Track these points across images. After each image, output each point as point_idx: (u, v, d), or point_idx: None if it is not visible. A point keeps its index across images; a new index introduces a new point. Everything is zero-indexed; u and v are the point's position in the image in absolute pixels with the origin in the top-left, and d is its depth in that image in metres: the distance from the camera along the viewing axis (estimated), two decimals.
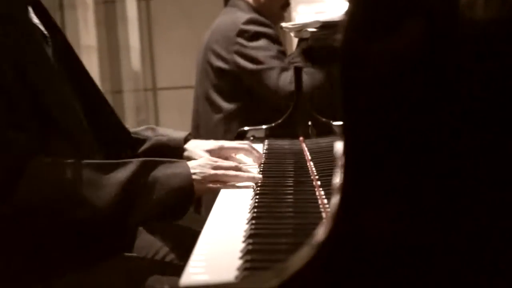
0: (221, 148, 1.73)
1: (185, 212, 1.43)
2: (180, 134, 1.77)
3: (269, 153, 1.91)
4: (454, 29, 0.65)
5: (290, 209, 1.34)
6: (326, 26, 1.84)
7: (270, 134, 2.13)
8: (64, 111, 1.41)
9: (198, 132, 2.81)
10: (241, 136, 2.16)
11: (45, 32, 1.47)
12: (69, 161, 1.31)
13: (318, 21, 1.94)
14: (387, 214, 0.69)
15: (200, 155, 1.65)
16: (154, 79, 3.61)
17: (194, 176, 1.40)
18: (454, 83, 0.64)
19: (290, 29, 2.11)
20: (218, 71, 2.67)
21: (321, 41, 1.81)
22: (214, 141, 1.79)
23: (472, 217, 0.68)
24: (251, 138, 2.15)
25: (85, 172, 1.32)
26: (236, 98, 2.66)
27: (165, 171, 1.39)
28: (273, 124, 2.13)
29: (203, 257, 1.06)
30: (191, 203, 1.44)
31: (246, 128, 2.19)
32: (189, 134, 1.79)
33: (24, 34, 1.35)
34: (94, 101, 1.59)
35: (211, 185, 1.44)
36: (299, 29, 2.03)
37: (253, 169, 1.67)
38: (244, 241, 1.12)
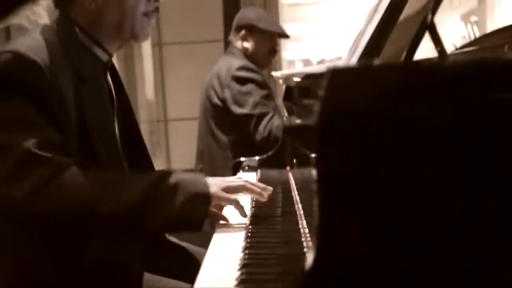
0: (227, 187, 1.61)
1: (202, 221, 1.30)
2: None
3: (261, 182, 1.82)
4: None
5: (277, 240, 1.26)
6: (310, 77, 1.75)
7: (262, 164, 2.05)
8: (109, 153, 1.37)
9: (202, 158, 2.78)
10: (237, 166, 2.10)
11: (112, 89, 1.46)
12: (96, 170, 1.27)
13: (303, 73, 1.90)
14: (363, 247, 0.64)
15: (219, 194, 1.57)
16: (165, 111, 3.61)
17: (210, 186, 1.30)
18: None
19: (278, 78, 2.03)
20: (216, 107, 2.63)
21: (304, 90, 1.71)
22: (220, 179, 1.67)
23: (445, 250, 0.63)
24: (246, 167, 2.08)
25: (110, 177, 1.27)
26: (231, 132, 2.62)
27: (184, 178, 1.30)
28: (264, 156, 2.06)
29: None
30: (208, 211, 1.31)
31: (242, 159, 2.12)
32: (202, 170, 1.72)
33: (94, 89, 1.33)
34: (137, 146, 1.54)
35: (225, 195, 1.33)
36: (287, 78, 1.94)
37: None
38: (238, 270, 1.06)
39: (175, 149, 3.57)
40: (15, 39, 1.53)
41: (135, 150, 1.53)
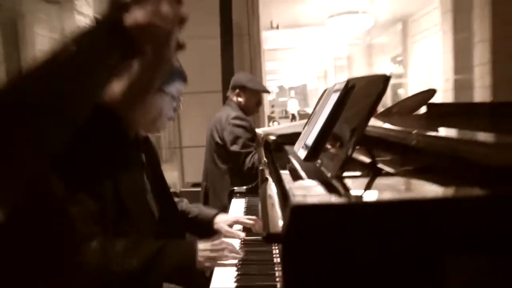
0: (236, 221, 1.66)
1: (190, 278, 1.33)
2: (213, 212, 1.70)
3: (248, 207, 1.85)
4: None
5: (255, 272, 1.25)
6: (281, 136, 1.81)
7: (250, 192, 2.04)
8: (140, 210, 1.32)
9: (207, 178, 2.78)
10: (231, 194, 2.09)
11: (144, 158, 1.42)
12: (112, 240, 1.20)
13: (276, 133, 1.89)
14: None
15: (223, 227, 1.61)
16: (180, 140, 3.53)
17: (198, 256, 1.29)
18: None
19: (260, 134, 2.06)
20: (217, 144, 2.68)
21: (277, 144, 1.76)
22: (232, 216, 1.72)
23: None
24: (237, 195, 2.07)
25: (122, 246, 1.21)
26: (227, 162, 2.66)
27: (177, 249, 1.31)
28: (250, 186, 2.07)
29: None
30: (192, 273, 1.32)
31: (235, 188, 2.12)
32: (217, 213, 1.70)
33: (127, 159, 1.27)
34: (163, 193, 1.51)
35: (207, 264, 1.30)
36: (266, 134, 1.96)
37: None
38: None
39: (188, 168, 3.55)
40: None
41: (163, 198, 1.48)
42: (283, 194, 0.99)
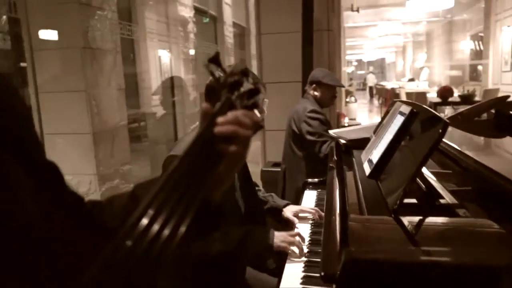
0: (300, 211, 1.69)
1: (267, 259, 1.45)
2: (283, 203, 1.75)
3: (318, 199, 1.86)
4: None
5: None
6: (351, 141, 1.80)
7: (323, 183, 1.97)
8: (230, 205, 1.42)
9: (285, 162, 2.81)
10: (304, 185, 2.09)
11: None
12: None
13: (347, 138, 1.88)
14: None
15: (289, 216, 1.65)
16: (264, 124, 3.57)
17: (274, 242, 1.37)
18: None
19: (332, 134, 2.03)
20: (294, 132, 2.68)
21: (347, 149, 1.75)
22: (297, 206, 1.75)
23: None
24: (310, 186, 2.06)
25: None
26: (303, 149, 2.66)
27: (259, 236, 1.39)
28: (323, 178, 2.00)
29: None
30: (270, 256, 1.45)
31: (308, 180, 2.12)
32: (287, 204, 1.74)
33: None
34: (253, 195, 1.60)
35: (282, 245, 1.38)
36: (337, 136, 1.95)
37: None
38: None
39: (270, 149, 3.57)
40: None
41: (249, 195, 1.55)
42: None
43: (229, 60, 8.90)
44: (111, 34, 3.16)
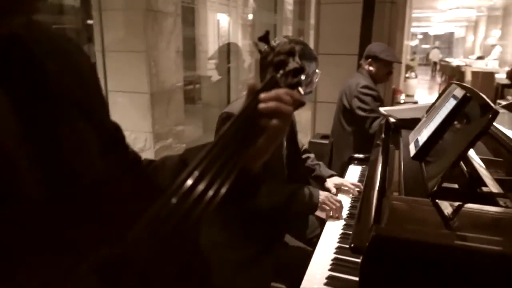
0: (342, 184, 1.73)
1: (312, 213, 1.51)
2: (329, 172, 1.81)
3: (362, 175, 1.87)
4: None
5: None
6: (401, 120, 1.77)
7: (368, 160, 1.94)
8: (276, 171, 1.50)
9: (333, 136, 2.80)
10: (350, 160, 2.10)
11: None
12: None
13: (397, 117, 1.84)
14: None
15: (331, 187, 1.70)
16: (315, 95, 3.56)
17: (319, 199, 1.47)
18: None
19: (383, 112, 1.98)
20: (345, 107, 2.65)
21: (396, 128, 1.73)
22: (341, 179, 1.80)
23: None
24: (355, 161, 2.07)
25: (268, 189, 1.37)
26: (352, 125, 2.63)
27: (305, 193, 1.49)
28: (369, 155, 2.02)
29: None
30: (315, 211, 1.50)
31: (354, 155, 2.13)
32: (332, 175, 1.79)
33: None
34: (298, 164, 1.66)
35: (324, 205, 1.48)
36: (388, 115, 1.90)
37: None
38: (329, 269, 1.11)
39: (320, 121, 3.55)
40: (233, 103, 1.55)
41: (294, 157, 1.61)
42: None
43: (287, 30, 8.73)
44: None
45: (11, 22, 0.38)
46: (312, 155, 1.92)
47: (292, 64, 0.60)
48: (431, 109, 1.52)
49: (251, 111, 0.55)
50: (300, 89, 0.62)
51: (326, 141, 3.01)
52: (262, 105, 0.56)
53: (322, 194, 1.51)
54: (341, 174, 2.04)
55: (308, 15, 8.55)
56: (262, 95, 0.56)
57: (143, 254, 0.39)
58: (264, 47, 0.62)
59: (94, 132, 0.50)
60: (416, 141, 1.32)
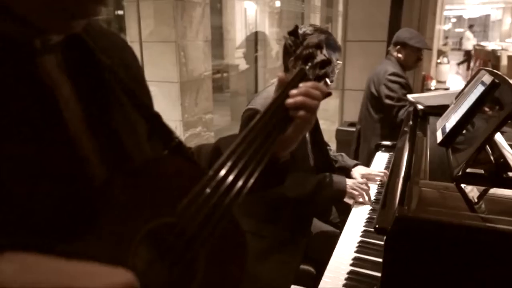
0: (369, 174, 1.73)
1: (342, 199, 1.54)
2: (353, 162, 1.80)
3: (389, 162, 1.87)
4: None
5: None
6: (429, 107, 1.77)
7: (395, 146, 1.90)
8: (301, 158, 1.53)
9: (361, 123, 2.80)
10: (377, 147, 2.10)
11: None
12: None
13: (425, 103, 1.83)
14: None
15: (357, 177, 1.70)
16: (343, 82, 3.52)
17: (346, 186, 1.50)
18: None
19: (410, 99, 1.98)
20: (372, 94, 2.63)
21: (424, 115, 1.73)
22: (366, 168, 1.78)
23: None
24: (383, 149, 2.07)
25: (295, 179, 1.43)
26: (379, 112, 2.61)
27: (332, 181, 1.52)
28: (396, 142, 2.03)
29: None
30: (343, 196, 1.53)
31: (381, 142, 2.12)
32: (356, 164, 1.78)
33: None
34: (323, 151, 1.67)
35: (352, 191, 1.51)
36: (416, 102, 1.90)
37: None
38: (355, 251, 1.13)
39: (347, 109, 3.53)
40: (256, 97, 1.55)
41: (319, 150, 1.63)
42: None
43: (315, 18, 8.61)
44: None
45: (78, 25, 0.44)
46: (331, 147, 1.93)
47: (320, 56, 0.64)
48: (460, 95, 1.52)
49: (280, 103, 0.60)
50: (327, 80, 0.66)
51: (353, 129, 3.00)
52: (289, 101, 0.60)
53: (350, 181, 1.53)
54: (368, 161, 2.05)
55: (336, 2, 8.41)
56: (291, 92, 0.60)
57: (190, 226, 0.44)
58: (291, 40, 0.66)
59: (142, 119, 0.55)
60: (444, 128, 1.33)
